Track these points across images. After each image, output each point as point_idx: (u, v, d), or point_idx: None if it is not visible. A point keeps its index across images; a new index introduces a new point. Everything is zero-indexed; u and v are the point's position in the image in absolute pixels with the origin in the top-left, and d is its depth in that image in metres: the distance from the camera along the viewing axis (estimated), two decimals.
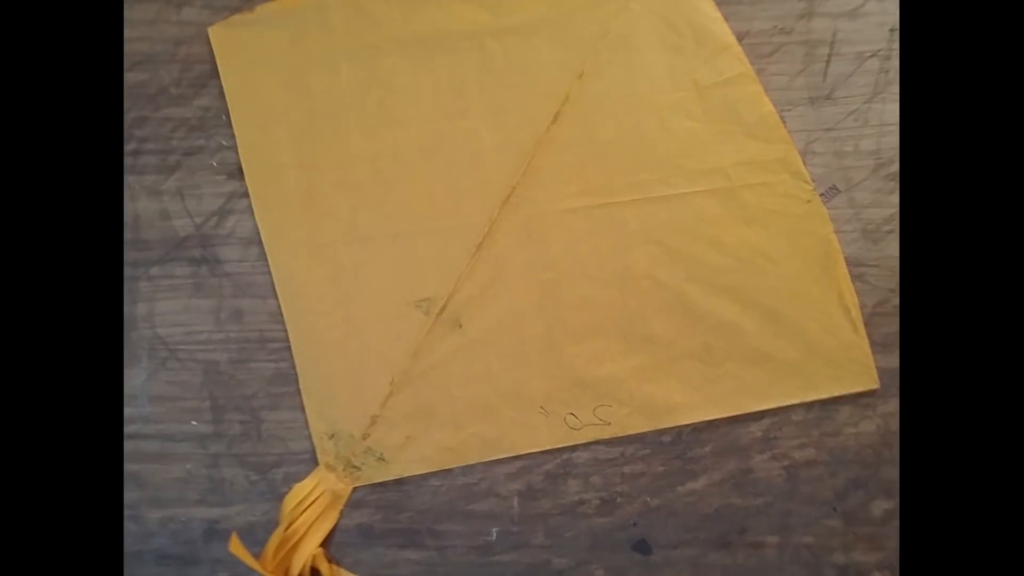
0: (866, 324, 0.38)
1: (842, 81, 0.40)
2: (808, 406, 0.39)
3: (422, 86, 0.41)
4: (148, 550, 0.39)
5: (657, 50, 0.40)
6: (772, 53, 0.40)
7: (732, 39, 0.40)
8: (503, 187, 0.40)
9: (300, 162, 0.41)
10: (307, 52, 0.41)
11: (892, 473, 0.38)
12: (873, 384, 0.38)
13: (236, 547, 0.36)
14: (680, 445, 0.39)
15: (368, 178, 0.40)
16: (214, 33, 0.42)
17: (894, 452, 0.38)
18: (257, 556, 0.37)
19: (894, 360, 0.38)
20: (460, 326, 0.39)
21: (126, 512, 0.39)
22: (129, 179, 0.41)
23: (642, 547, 0.38)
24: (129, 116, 0.41)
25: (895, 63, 0.40)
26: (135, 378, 0.40)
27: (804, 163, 0.39)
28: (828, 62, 0.40)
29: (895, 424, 0.38)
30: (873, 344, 0.38)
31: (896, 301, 0.39)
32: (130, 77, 0.42)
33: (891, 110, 0.40)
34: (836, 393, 0.38)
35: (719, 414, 0.38)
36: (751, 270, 0.39)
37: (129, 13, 0.42)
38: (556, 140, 0.40)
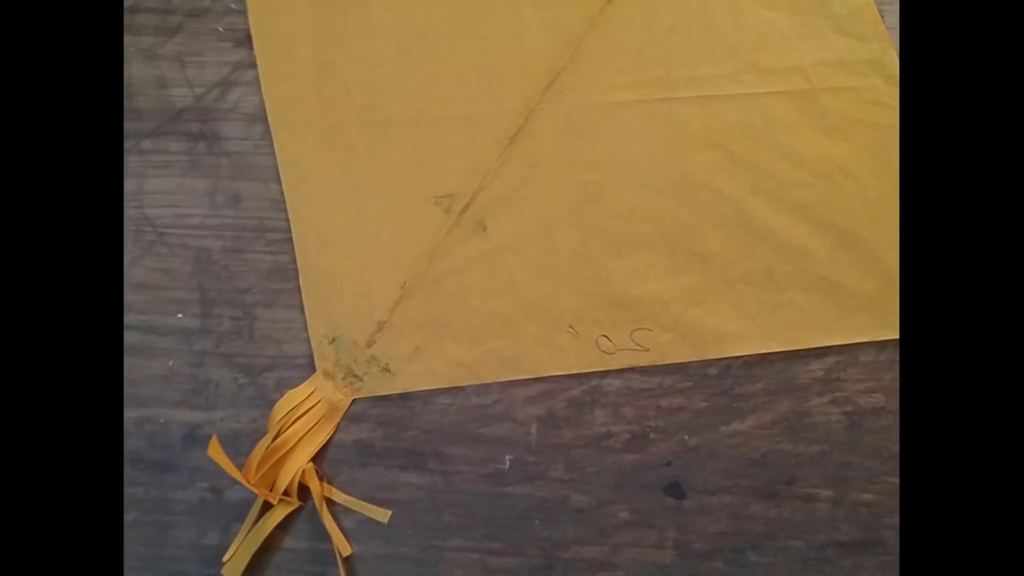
0: None
1: None
2: (880, 346, 0.34)
3: None
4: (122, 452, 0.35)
5: None
6: None
7: None
8: (545, 71, 0.35)
9: (316, 31, 0.36)
10: None
11: None
12: None
13: (215, 452, 0.32)
14: (727, 380, 0.34)
15: (390, 53, 0.36)
16: None
17: None
18: (240, 466, 0.33)
19: None
20: (484, 229, 0.35)
21: None
22: (125, 40, 0.37)
23: (674, 490, 0.33)
24: None
25: None
26: None
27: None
28: None
29: None
30: None
31: None
32: None
33: None
34: None
35: (776, 348, 0.34)
36: (827, 187, 0.34)
37: None
38: (611, 21, 0.35)
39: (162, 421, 0.35)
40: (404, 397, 0.34)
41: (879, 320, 0.33)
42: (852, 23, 0.34)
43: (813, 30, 0.34)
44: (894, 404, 0.33)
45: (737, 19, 0.35)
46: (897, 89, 0.34)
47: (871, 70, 0.34)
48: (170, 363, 0.35)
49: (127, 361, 0.35)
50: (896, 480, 0.33)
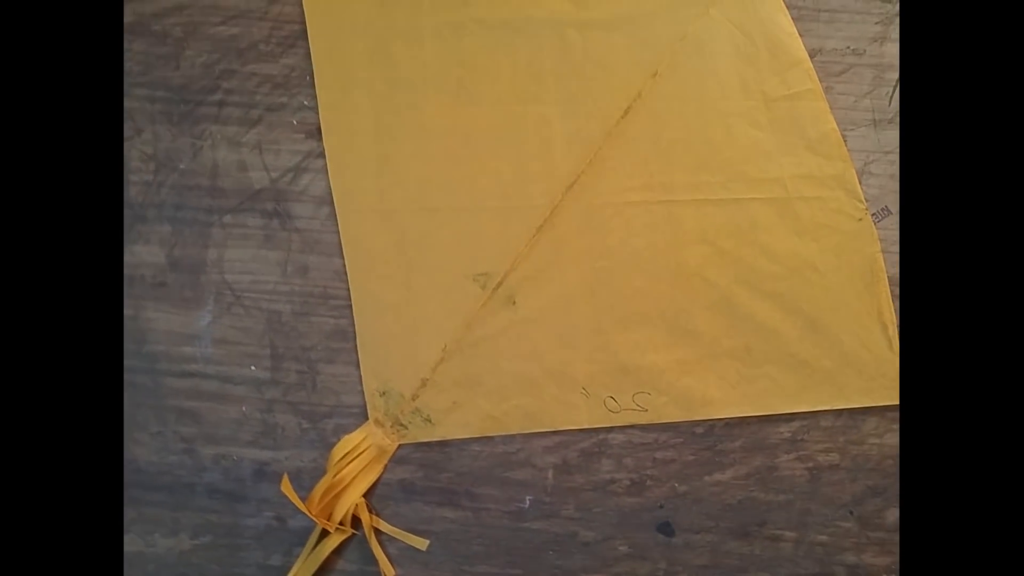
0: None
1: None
2: (837, 413, 0.41)
3: (500, 68, 0.42)
4: (200, 483, 0.41)
5: (731, 57, 0.42)
6: (842, 73, 0.42)
7: (804, 55, 0.42)
8: (569, 174, 0.42)
9: (377, 129, 0.42)
10: (393, 23, 0.43)
11: None
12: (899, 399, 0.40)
13: (287, 488, 0.39)
14: (711, 437, 0.41)
15: (440, 152, 0.42)
16: None
17: None
18: (303, 499, 0.39)
19: None
20: (514, 303, 0.41)
21: (181, 446, 0.41)
22: (212, 129, 0.43)
23: (666, 529, 0.40)
24: (218, 68, 0.43)
25: None
26: (200, 320, 0.42)
27: (860, 182, 0.41)
28: (894, 88, 0.42)
29: None
30: None
31: None
32: (222, 30, 0.43)
33: None
34: (865, 404, 0.40)
35: (752, 412, 0.40)
36: (797, 279, 0.41)
37: None
38: (624, 134, 0.42)
39: (235, 458, 0.41)
40: (442, 444, 0.41)
41: (837, 392, 0.40)
42: (822, 145, 0.41)
43: (791, 148, 0.42)
44: (847, 462, 0.40)
45: (729, 136, 0.42)
46: (857, 201, 0.41)
47: (835, 184, 0.41)
48: (244, 408, 0.41)
49: (207, 405, 0.42)
50: (847, 524, 0.40)
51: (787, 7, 0.42)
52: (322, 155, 0.43)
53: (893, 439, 0.40)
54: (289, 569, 0.40)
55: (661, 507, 0.40)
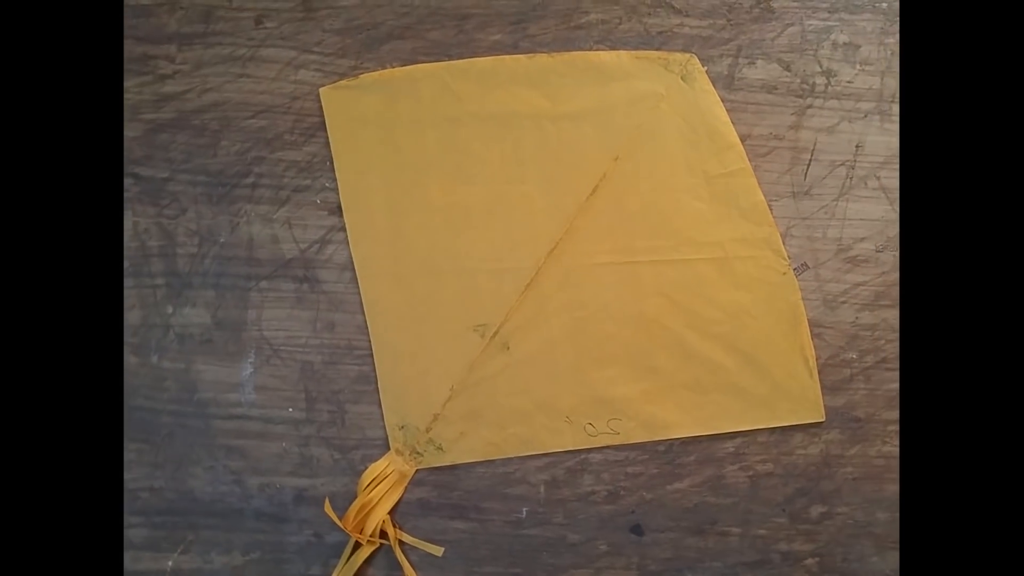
0: (819, 372, 0.50)
1: (818, 182, 0.51)
2: (771, 431, 0.49)
3: (491, 154, 0.51)
4: (248, 508, 0.49)
5: (678, 143, 0.51)
6: (766, 154, 0.51)
7: (737, 140, 0.51)
8: (549, 241, 0.50)
9: (389, 206, 0.50)
10: (399, 116, 0.51)
11: (829, 485, 0.49)
12: (820, 418, 0.49)
13: (328, 509, 0.47)
14: (671, 454, 0.50)
15: (443, 224, 0.50)
16: (324, 93, 0.51)
17: (832, 470, 0.49)
18: (340, 518, 0.47)
19: (838, 400, 0.50)
20: (508, 348, 0.50)
21: (231, 477, 0.49)
22: (247, 207, 0.51)
23: (637, 530, 0.49)
24: (250, 155, 0.51)
25: (858, 172, 0.51)
26: (244, 371, 0.49)
27: (783, 243, 0.50)
28: (808, 165, 0.51)
29: (835, 449, 0.50)
30: (823, 388, 0.49)
31: (845, 355, 0.50)
32: (252, 123, 0.51)
33: (853, 208, 0.51)
34: (792, 422, 0.49)
35: (703, 432, 0.49)
36: (736, 323, 0.50)
37: (256, 71, 0.51)
38: (593, 208, 0.50)
39: (278, 486, 0.49)
40: (452, 467, 0.49)
41: (770, 414, 0.49)
42: (752, 213, 0.51)
43: (728, 216, 0.51)
44: (780, 470, 0.49)
45: (678, 208, 0.50)
46: (781, 258, 0.51)
47: (764, 245, 0.50)
48: (284, 444, 0.49)
49: (252, 443, 0.49)
50: (780, 519, 0.50)
51: (722, 101, 0.51)
52: (343, 229, 0.50)
53: (816, 449, 0.50)
54: None
55: (633, 512, 0.49)
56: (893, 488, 0.49)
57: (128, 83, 0.51)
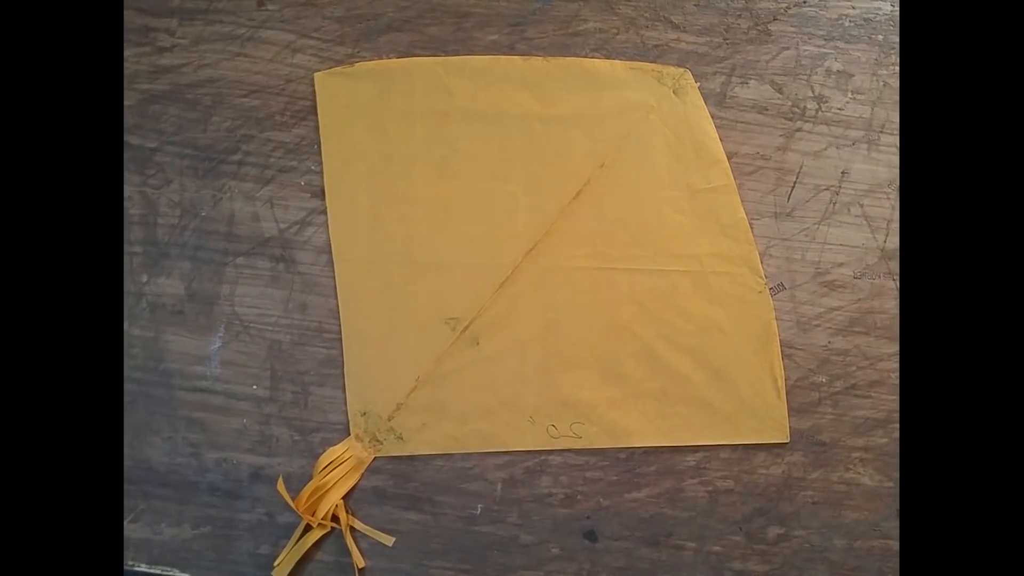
0: (787, 393, 0.50)
1: (800, 204, 0.52)
2: (733, 447, 0.49)
3: (478, 151, 0.51)
4: (203, 482, 0.48)
5: (664, 154, 0.51)
6: (752, 173, 0.52)
7: (723, 156, 0.51)
8: (528, 241, 0.50)
9: (372, 194, 0.51)
10: (391, 107, 0.52)
11: (788, 508, 0.49)
12: (784, 439, 0.49)
13: (281, 488, 0.46)
14: (632, 462, 0.50)
15: (423, 216, 0.51)
16: (318, 79, 0.52)
17: (792, 492, 0.49)
18: (293, 499, 0.47)
19: (804, 423, 0.50)
20: (477, 344, 0.50)
21: (189, 450, 0.49)
22: (231, 183, 0.51)
23: (591, 536, 0.49)
24: (239, 132, 0.51)
25: (842, 198, 0.52)
26: (212, 344, 0.50)
27: (761, 262, 0.51)
28: (792, 187, 0.52)
29: (797, 471, 0.49)
30: (790, 409, 0.49)
31: (814, 379, 0.50)
32: (245, 101, 0.52)
33: (834, 233, 0.51)
34: (756, 441, 0.49)
35: (665, 443, 0.49)
36: (707, 337, 0.50)
37: (253, 51, 0.52)
38: (575, 212, 0.51)
39: (235, 462, 0.49)
40: (411, 458, 0.49)
41: (734, 431, 0.49)
42: (732, 230, 0.51)
43: (707, 231, 0.51)
44: (740, 487, 0.49)
45: (658, 219, 0.51)
46: (758, 277, 0.51)
47: (742, 262, 0.51)
48: (244, 421, 0.49)
49: (213, 417, 0.49)
50: (737, 538, 0.49)
51: (712, 117, 0.52)
52: (324, 212, 0.51)
53: (778, 470, 0.50)
54: (276, 557, 0.47)
55: (588, 517, 0.49)
56: (852, 515, 0.49)
57: (126, 52, 0.52)
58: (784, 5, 0.53)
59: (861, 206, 0.51)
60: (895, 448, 0.49)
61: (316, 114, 0.51)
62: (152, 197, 0.51)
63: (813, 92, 0.52)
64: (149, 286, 0.50)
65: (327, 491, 0.47)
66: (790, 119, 0.52)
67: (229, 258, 0.50)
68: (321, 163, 0.51)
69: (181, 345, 0.50)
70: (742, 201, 0.51)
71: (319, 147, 0.51)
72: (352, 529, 0.48)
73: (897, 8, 0.53)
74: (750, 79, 0.53)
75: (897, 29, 0.53)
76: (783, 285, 0.51)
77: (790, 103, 0.52)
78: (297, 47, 0.52)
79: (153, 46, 0.52)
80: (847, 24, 0.53)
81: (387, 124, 0.51)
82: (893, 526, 0.48)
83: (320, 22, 0.53)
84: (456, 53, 0.53)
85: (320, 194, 0.51)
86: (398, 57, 0.52)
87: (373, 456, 0.49)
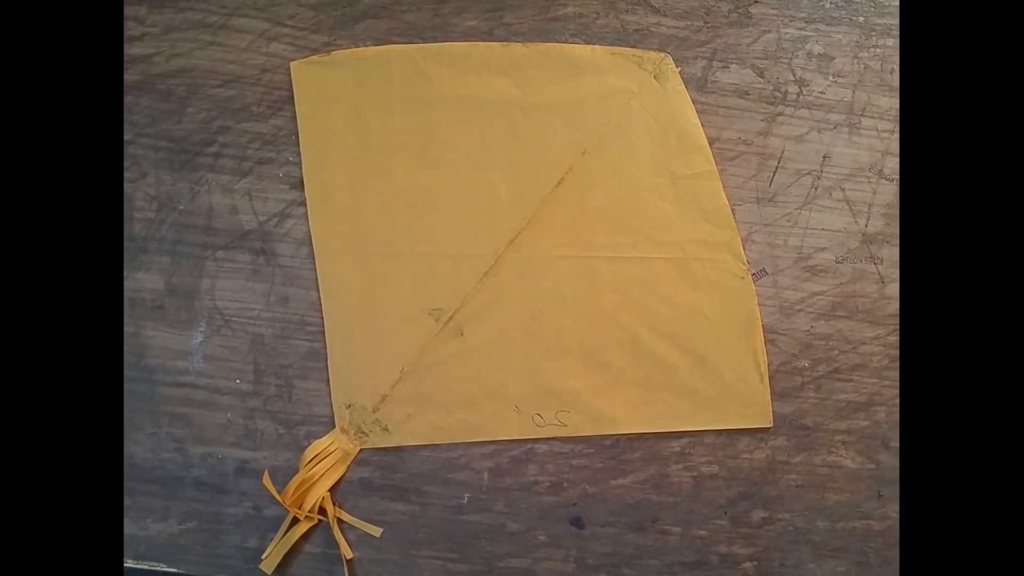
0: (770, 378, 0.50)
1: (782, 189, 0.52)
2: (717, 433, 0.50)
3: (458, 139, 0.51)
4: (188, 477, 0.48)
5: (646, 141, 0.51)
6: (734, 158, 0.52)
7: (705, 142, 0.51)
8: (511, 230, 0.50)
9: (351, 184, 0.50)
10: (369, 96, 0.51)
11: (772, 491, 0.50)
12: (768, 423, 0.50)
13: (267, 481, 0.46)
14: (617, 449, 0.50)
15: (404, 206, 0.50)
16: (295, 68, 0.51)
17: (776, 475, 0.50)
18: (279, 492, 0.47)
19: (787, 407, 0.50)
20: (462, 334, 0.50)
21: (173, 445, 0.49)
22: (208, 176, 0.50)
23: (577, 523, 0.49)
24: (215, 124, 0.51)
25: (824, 182, 0.52)
26: (194, 339, 0.49)
27: (744, 248, 0.51)
28: (775, 173, 0.52)
29: (781, 455, 0.50)
30: (773, 393, 0.50)
31: (797, 363, 0.51)
32: (220, 92, 0.51)
33: (816, 217, 0.51)
34: (740, 426, 0.50)
35: (650, 429, 0.49)
36: (690, 324, 0.50)
37: (227, 39, 0.51)
38: (557, 200, 0.51)
39: (220, 457, 0.49)
40: (397, 449, 0.49)
41: (718, 416, 0.50)
42: (714, 216, 0.51)
43: (690, 218, 0.51)
44: (724, 472, 0.50)
45: (641, 206, 0.51)
46: (741, 263, 0.51)
47: (724, 249, 0.51)
48: (228, 415, 0.49)
49: (197, 411, 0.49)
50: (721, 522, 0.50)
51: (693, 102, 0.52)
52: (303, 204, 0.50)
53: (762, 455, 0.50)
54: (263, 550, 0.47)
55: (574, 504, 0.49)
56: (835, 497, 0.49)
57: None
58: None
59: (843, 190, 0.51)
60: (877, 431, 0.50)
61: (293, 104, 0.51)
62: (128, 191, 0.50)
63: (794, 75, 0.52)
64: (128, 282, 0.49)
65: (313, 484, 0.47)
66: (771, 103, 0.52)
67: (208, 252, 0.50)
68: (299, 154, 0.50)
69: (162, 340, 0.49)
70: (724, 187, 0.51)
71: (297, 138, 0.50)
72: (339, 521, 0.48)
73: None
74: (731, 63, 0.52)
75: (878, 11, 0.53)
76: (765, 270, 0.51)
77: (771, 87, 0.52)
78: (272, 35, 0.51)
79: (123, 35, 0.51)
80: (828, 6, 0.53)
81: (366, 113, 0.51)
82: (875, 507, 0.49)
83: (295, 9, 0.52)
84: (434, 40, 0.52)
85: (299, 185, 0.50)
86: (375, 44, 0.51)
87: (359, 448, 0.49)
